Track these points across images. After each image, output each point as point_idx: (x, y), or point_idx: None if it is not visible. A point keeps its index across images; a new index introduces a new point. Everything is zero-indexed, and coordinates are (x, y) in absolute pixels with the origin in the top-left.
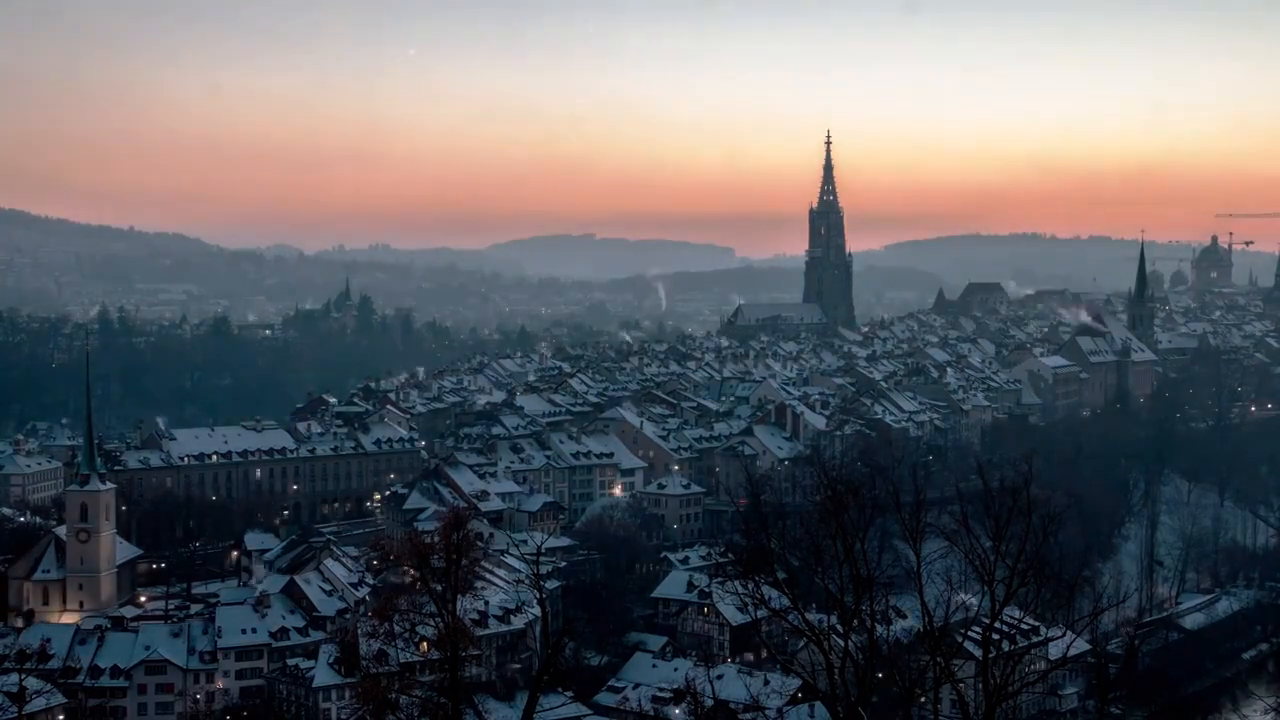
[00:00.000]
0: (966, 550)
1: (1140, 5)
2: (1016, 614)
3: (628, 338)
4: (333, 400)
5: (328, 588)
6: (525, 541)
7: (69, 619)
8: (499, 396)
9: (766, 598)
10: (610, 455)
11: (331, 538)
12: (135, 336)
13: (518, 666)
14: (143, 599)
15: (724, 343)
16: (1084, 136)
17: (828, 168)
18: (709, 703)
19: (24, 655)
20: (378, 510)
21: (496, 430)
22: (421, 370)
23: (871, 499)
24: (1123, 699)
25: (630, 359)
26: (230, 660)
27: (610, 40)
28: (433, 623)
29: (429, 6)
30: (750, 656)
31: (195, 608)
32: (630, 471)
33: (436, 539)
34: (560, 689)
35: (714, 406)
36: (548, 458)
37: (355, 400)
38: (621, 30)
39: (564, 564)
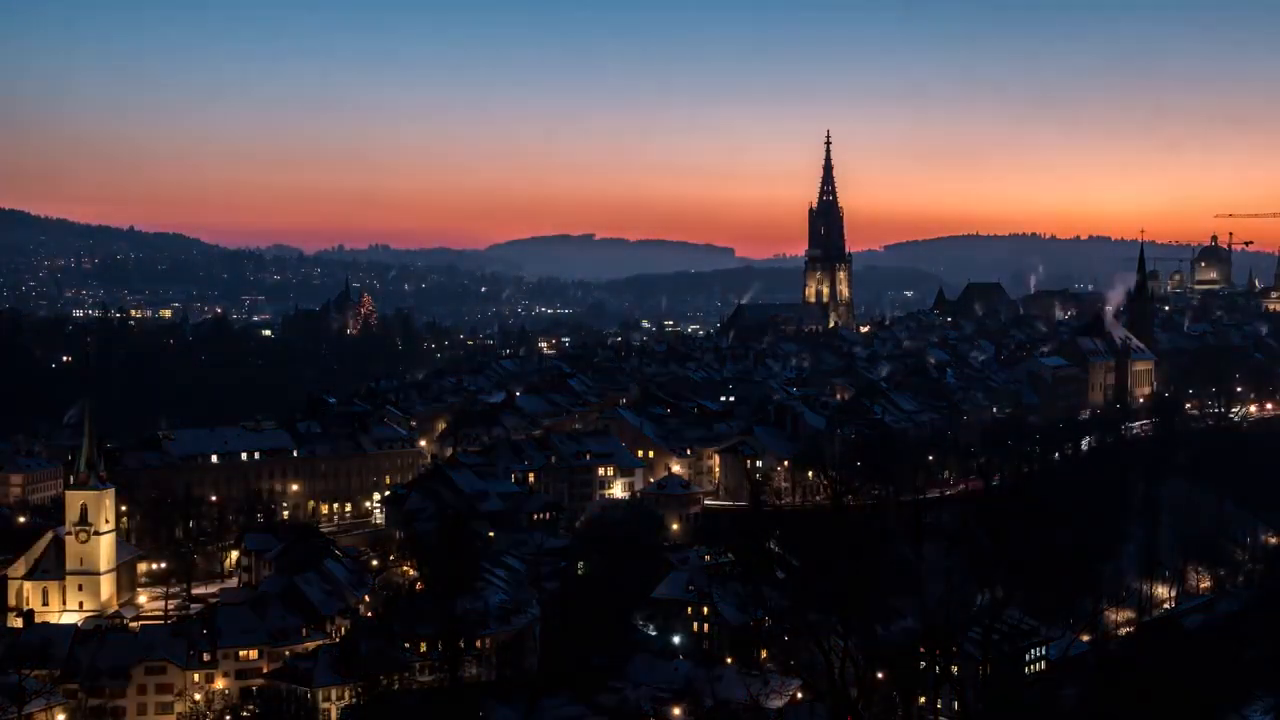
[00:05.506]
0: (966, 550)
1: (1140, 5)
2: (1016, 614)
3: (622, 338)
4: (333, 400)
5: (328, 588)
6: (525, 542)
7: (69, 619)
8: (499, 396)
9: (766, 598)
10: (610, 455)
11: (331, 538)
12: (135, 336)
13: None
14: (143, 599)
15: (724, 343)
16: (1083, 137)
17: (828, 168)
18: (709, 703)
19: (24, 655)
20: (378, 510)
21: (496, 430)
22: (421, 370)
23: (872, 499)
24: (1123, 699)
25: (630, 359)
26: (230, 660)
27: (609, 40)
28: (432, 622)
29: (428, 8)
30: (750, 656)
31: (195, 608)
32: (630, 471)
33: (436, 539)
34: (560, 689)
35: (714, 406)
36: (548, 458)
37: (355, 400)
38: (620, 29)
39: (564, 564)
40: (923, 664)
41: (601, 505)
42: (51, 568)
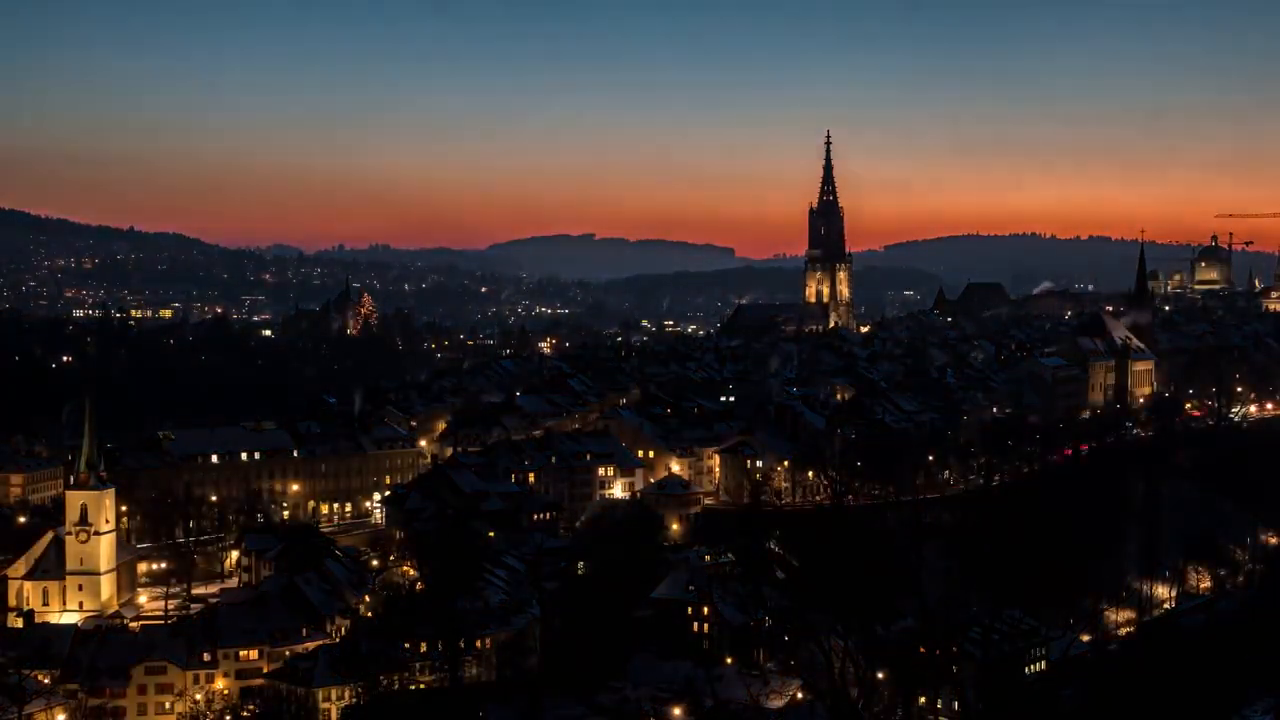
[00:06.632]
0: (966, 550)
1: (1141, 4)
2: (1016, 614)
3: (622, 338)
4: (333, 400)
5: (328, 588)
6: (525, 542)
7: (69, 619)
8: (499, 396)
9: (766, 598)
10: (610, 455)
11: (331, 538)
12: (135, 336)
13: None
14: (143, 599)
15: (724, 343)
16: (1083, 137)
17: (828, 168)
18: (709, 703)
19: (24, 655)
20: (378, 510)
21: (496, 430)
22: (422, 370)
23: (871, 499)
24: (1123, 699)
25: (630, 359)
26: (230, 660)
27: (608, 40)
28: (432, 622)
29: (429, 8)
30: (750, 656)
31: (195, 608)
32: (630, 471)
33: (436, 539)
34: (560, 689)
35: (714, 406)
36: (548, 458)
37: (355, 400)
38: (619, 29)
39: (564, 564)
40: (923, 664)
41: (601, 505)
42: (51, 568)
